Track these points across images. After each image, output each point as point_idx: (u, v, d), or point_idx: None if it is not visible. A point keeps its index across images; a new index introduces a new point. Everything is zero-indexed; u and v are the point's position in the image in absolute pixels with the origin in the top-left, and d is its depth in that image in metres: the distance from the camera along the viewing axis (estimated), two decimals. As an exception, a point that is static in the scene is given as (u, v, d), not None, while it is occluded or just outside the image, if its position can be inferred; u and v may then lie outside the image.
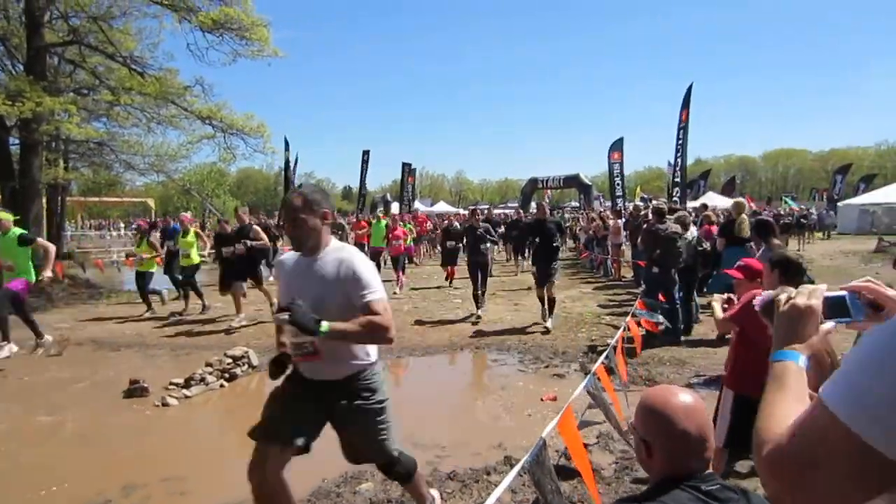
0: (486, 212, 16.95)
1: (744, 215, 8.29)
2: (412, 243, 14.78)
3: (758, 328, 3.07)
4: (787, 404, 0.94)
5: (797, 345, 1.04)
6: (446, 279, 12.94)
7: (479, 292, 9.24)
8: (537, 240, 8.43)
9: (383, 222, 13.65)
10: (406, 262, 13.85)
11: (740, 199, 9.20)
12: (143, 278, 9.82)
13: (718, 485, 1.41)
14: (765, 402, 0.98)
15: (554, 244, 8.22)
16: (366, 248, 13.09)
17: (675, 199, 15.66)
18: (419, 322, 9.00)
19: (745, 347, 3.19)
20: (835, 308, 1.06)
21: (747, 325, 3.14)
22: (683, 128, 17.89)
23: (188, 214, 10.91)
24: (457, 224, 12.93)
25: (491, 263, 11.71)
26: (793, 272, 2.96)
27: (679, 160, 18.30)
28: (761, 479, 0.90)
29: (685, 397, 1.46)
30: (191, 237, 9.94)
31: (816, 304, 1.05)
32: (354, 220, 19.61)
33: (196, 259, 9.96)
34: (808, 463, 0.80)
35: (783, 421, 0.89)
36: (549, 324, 8.15)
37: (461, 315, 9.46)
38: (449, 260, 12.44)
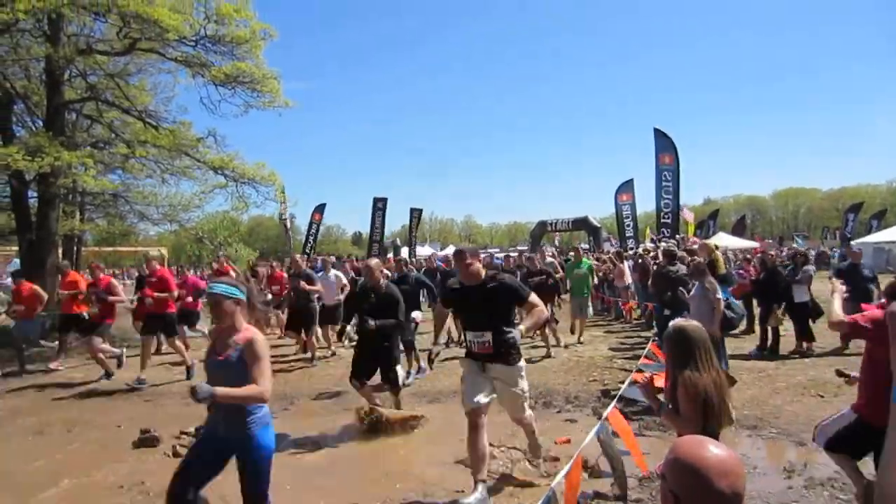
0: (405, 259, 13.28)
1: (717, 253, 8.48)
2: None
3: (879, 344, 2.78)
4: None
5: None
6: None
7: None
8: None
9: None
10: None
11: (707, 242, 9.64)
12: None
13: None
14: (889, 451, 0.78)
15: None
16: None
17: (664, 239, 15.76)
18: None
19: (872, 367, 3.13)
20: None
21: (871, 337, 3.09)
22: (669, 170, 18.08)
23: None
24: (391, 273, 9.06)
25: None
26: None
27: (669, 201, 18.35)
28: None
29: (720, 452, 1.34)
30: None
31: None
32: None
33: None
34: None
35: None
36: None
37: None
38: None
